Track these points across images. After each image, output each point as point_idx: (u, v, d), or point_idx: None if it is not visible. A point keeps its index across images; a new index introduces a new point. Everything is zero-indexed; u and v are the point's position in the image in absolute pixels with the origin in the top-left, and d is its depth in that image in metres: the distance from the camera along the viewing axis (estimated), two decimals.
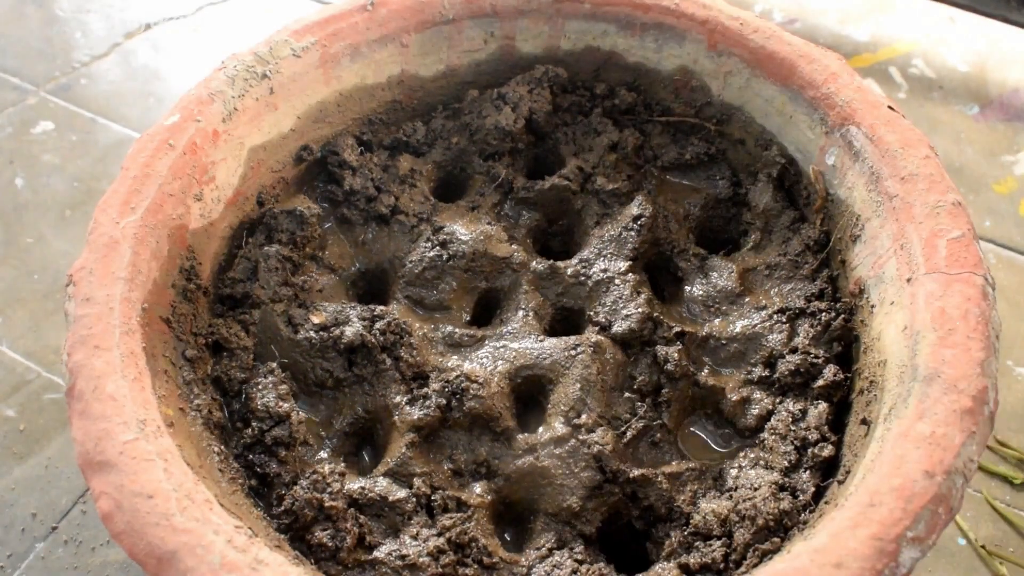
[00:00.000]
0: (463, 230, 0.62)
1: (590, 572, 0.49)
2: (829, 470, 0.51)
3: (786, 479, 0.51)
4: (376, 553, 0.48)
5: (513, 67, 0.69)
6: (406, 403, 0.55)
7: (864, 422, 0.50)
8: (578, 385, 0.55)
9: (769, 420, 0.54)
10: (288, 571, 0.40)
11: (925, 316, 0.47)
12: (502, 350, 0.57)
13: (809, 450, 0.51)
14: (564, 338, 0.57)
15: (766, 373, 0.56)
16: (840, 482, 0.48)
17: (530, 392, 0.57)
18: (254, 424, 0.52)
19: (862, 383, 0.52)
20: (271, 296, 0.57)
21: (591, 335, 0.57)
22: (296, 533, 0.49)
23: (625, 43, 0.68)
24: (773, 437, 0.53)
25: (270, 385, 0.54)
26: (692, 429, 0.57)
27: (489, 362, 0.57)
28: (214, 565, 0.39)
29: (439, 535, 0.49)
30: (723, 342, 0.58)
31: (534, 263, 0.62)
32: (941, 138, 0.98)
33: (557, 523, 0.51)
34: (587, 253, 0.62)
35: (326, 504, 0.49)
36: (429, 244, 0.62)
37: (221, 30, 1.10)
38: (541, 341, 0.58)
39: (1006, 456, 0.70)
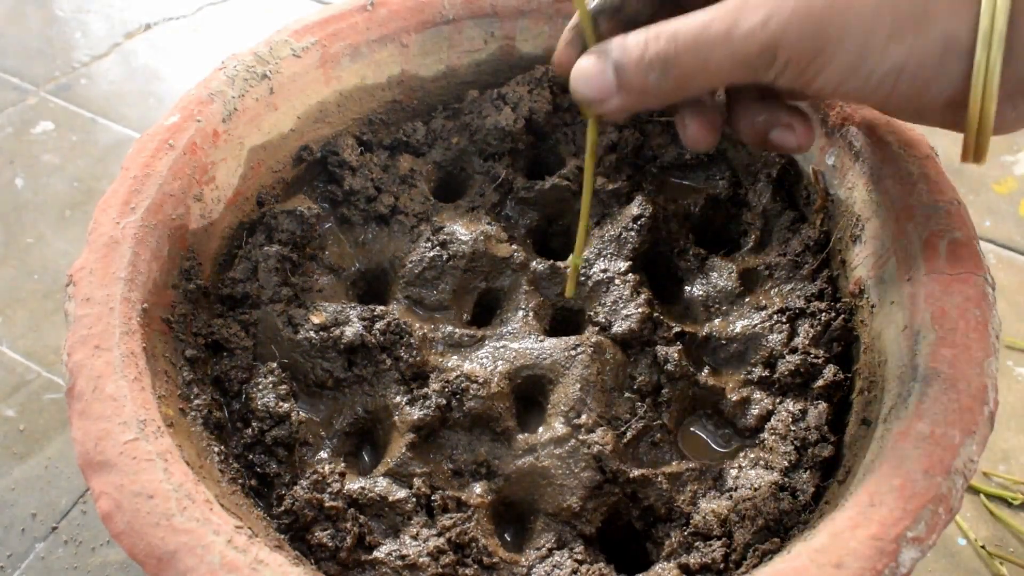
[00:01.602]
0: (463, 230, 0.62)
1: (590, 572, 0.49)
2: (829, 470, 0.51)
3: (786, 479, 0.51)
4: (376, 553, 0.48)
5: (513, 67, 0.69)
6: (406, 403, 0.55)
7: (864, 422, 0.50)
8: (578, 385, 0.55)
9: (769, 420, 0.54)
10: (288, 571, 0.40)
11: (925, 316, 0.47)
12: (502, 350, 0.57)
13: (809, 450, 0.51)
14: (564, 338, 0.57)
15: (766, 373, 0.56)
16: (840, 482, 0.48)
17: (530, 392, 0.57)
18: (254, 424, 0.52)
19: (862, 383, 0.52)
20: (271, 296, 0.57)
21: (591, 335, 0.57)
22: (296, 533, 0.49)
23: None
24: (773, 437, 0.53)
25: (270, 385, 0.54)
26: (692, 429, 0.57)
27: (489, 362, 0.57)
28: (214, 565, 0.39)
29: (439, 535, 0.49)
30: (723, 342, 0.58)
31: (534, 263, 0.62)
32: (941, 138, 0.97)
33: (557, 523, 0.51)
34: (587, 253, 0.62)
35: (326, 504, 0.49)
36: (429, 244, 0.62)
37: (221, 30, 1.10)
38: (541, 341, 0.58)
39: (1000, 483, 0.70)
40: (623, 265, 0.61)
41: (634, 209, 0.63)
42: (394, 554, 0.48)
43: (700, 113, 0.48)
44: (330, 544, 0.48)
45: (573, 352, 0.56)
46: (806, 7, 0.38)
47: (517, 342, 0.58)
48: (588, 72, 0.43)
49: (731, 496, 0.51)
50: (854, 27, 0.37)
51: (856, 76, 0.39)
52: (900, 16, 0.37)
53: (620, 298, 0.59)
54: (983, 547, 0.66)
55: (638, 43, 0.41)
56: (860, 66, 0.38)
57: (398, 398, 0.55)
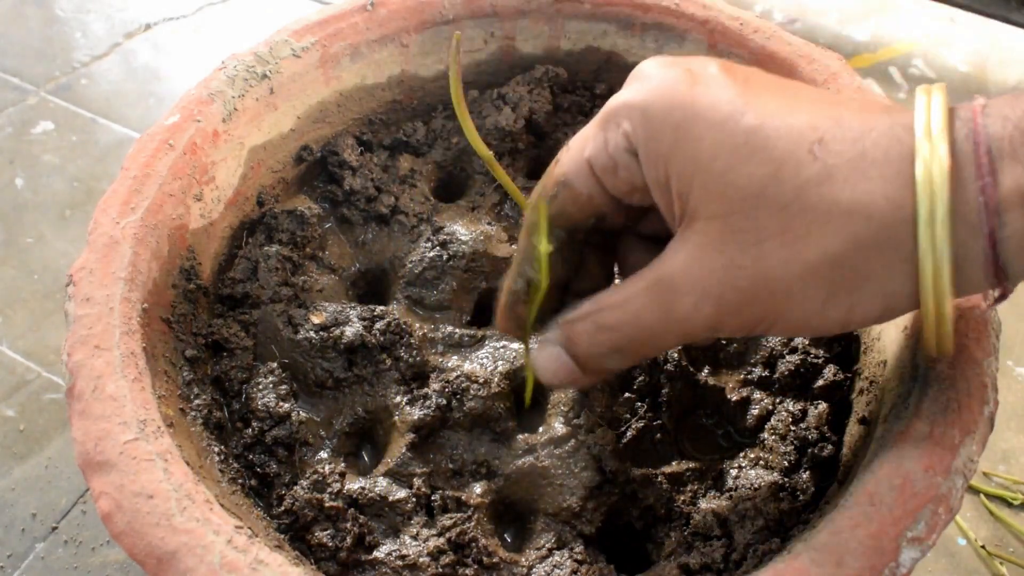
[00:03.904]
0: (463, 230, 0.62)
1: (590, 572, 0.49)
2: (829, 470, 0.51)
3: (786, 479, 0.51)
4: (376, 553, 0.48)
5: (513, 67, 0.69)
6: (406, 403, 0.55)
7: (864, 422, 0.50)
8: None
9: (769, 420, 0.54)
10: (288, 571, 0.40)
11: None
12: (502, 350, 0.57)
13: (809, 450, 0.51)
14: None
15: (766, 373, 0.56)
16: (840, 482, 0.48)
17: None
18: (254, 424, 0.52)
19: (862, 383, 0.52)
20: (271, 296, 0.57)
21: None
22: (296, 533, 0.49)
23: (625, 43, 0.68)
24: (773, 437, 0.53)
25: (270, 385, 0.54)
26: (692, 429, 0.57)
27: (489, 362, 0.57)
28: (214, 565, 0.39)
29: (439, 535, 0.49)
30: (723, 342, 0.58)
31: None
32: None
33: (557, 523, 0.51)
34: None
35: (326, 504, 0.49)
36: (429, 244, 0.62)
37: (221, 30, 1.10)
38: None
39: (1000, 483, 0.70)
40: None
41: None
42: (394, 554, 0.48)
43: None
44: (330, 544, 0.48)
45: None
46: (732, 286, 0.37)
47: (517, 342, 0.58)
48: (550, 367, 0.45)
49: (731, 496, 0.51)
50: (789, 299, 0.37)
51: (803, 331, 0.45)
52: (830, 281, 0.36)
53: None
54: (983, 547, 0.66)
55: (583, 333, 0.43)
56: (804, 326, 0.38)
57: (398, 398, 0.55)
